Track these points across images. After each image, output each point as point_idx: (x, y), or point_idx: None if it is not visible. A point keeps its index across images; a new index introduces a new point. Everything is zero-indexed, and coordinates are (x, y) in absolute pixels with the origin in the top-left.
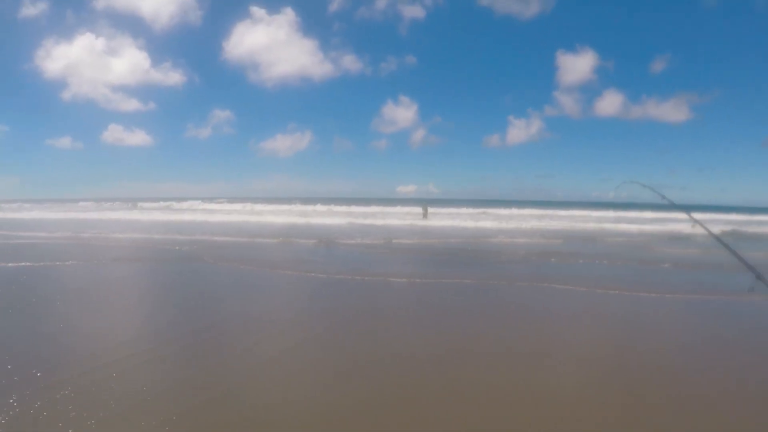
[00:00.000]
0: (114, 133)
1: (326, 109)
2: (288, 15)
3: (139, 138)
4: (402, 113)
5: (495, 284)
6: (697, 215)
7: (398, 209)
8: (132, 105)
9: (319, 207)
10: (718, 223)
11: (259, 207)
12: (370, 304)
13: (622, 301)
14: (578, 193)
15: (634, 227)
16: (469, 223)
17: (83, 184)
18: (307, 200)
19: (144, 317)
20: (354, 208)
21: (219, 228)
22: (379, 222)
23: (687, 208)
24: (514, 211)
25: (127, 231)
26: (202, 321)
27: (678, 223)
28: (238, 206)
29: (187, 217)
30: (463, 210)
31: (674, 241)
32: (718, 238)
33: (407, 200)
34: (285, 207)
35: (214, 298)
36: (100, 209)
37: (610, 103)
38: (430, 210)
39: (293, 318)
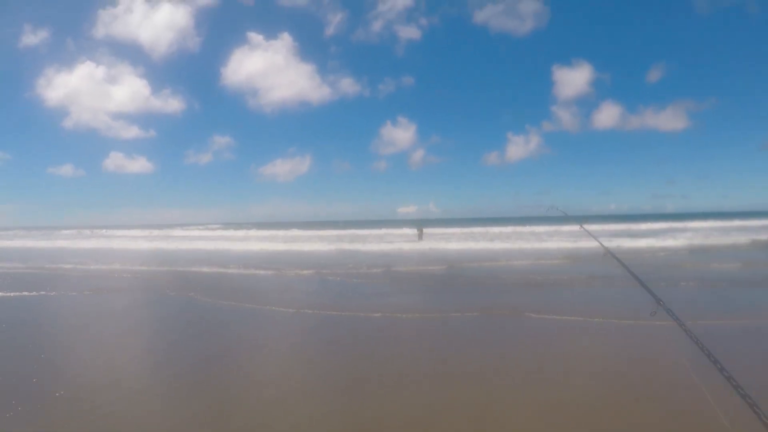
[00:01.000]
0: (115, 161)
1: (325, 132)
2: (285, 40)
3: (140, 165)
4: (401, 134)
5: (501, 316)
6: (698, 224)
7: (393, 231)
8: (132, 132)
9: (314, 232)
10: (728, 231)
11: (253, 233)
12: (369, 347)
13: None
14: (577, 208)
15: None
16: (469, 245)
17: (85, 211)
18: (306, 224)
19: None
20: (350, 232)
21: (206, 256)
22: (373, 247)
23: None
24: (515, 229)
25: (109, 261)
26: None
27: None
28: (232, 233)
29: (177, 245)
30: (463, 230)
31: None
32: (626, 267)
33: (407, 221)
34: (281, 233)
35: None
36: (95, 236)
37: (607, 115)
38: (426, 231)
39: (274, 369)
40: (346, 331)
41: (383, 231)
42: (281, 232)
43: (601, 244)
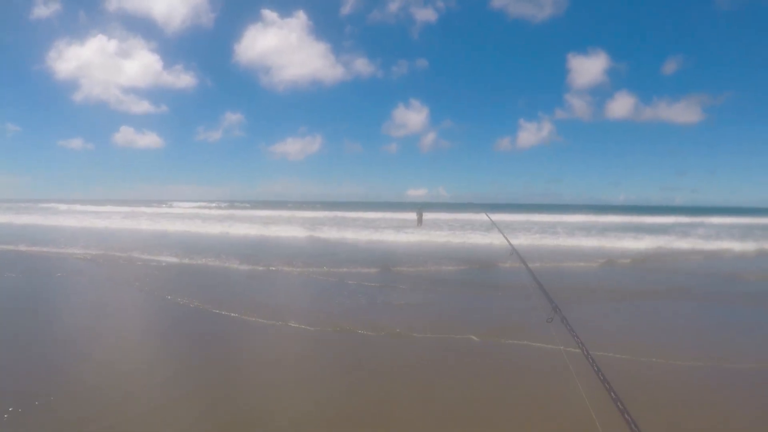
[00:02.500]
0: (125, 135)
1: (337, 112)
2: (300, 18)
3: (150, 140)
4: (413, 117)
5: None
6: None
7: (393, 216)
8: (143, 107)
9: (317, 213)
10: (737, 230)
11: (255, 212)
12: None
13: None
14: (587, 197)
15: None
16: (476, 238)
17: (94, 185)
18: (313, 204)
19: None
20: (355, 214)
21: (182, 240)
22: (362, 236)
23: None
24: (525, 217)
25: (47, 242)
26: None
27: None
28: (230, 212)
29: (153, 224)
30: (471, 216)
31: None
32: (530, 271)
33: (416, 204)
34: (284, 213)
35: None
36: (71, 212)
37: (621, 105)
38: (426, 216)
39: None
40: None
41: (383, 215)
42: (284, 213)
43: (507, 241)
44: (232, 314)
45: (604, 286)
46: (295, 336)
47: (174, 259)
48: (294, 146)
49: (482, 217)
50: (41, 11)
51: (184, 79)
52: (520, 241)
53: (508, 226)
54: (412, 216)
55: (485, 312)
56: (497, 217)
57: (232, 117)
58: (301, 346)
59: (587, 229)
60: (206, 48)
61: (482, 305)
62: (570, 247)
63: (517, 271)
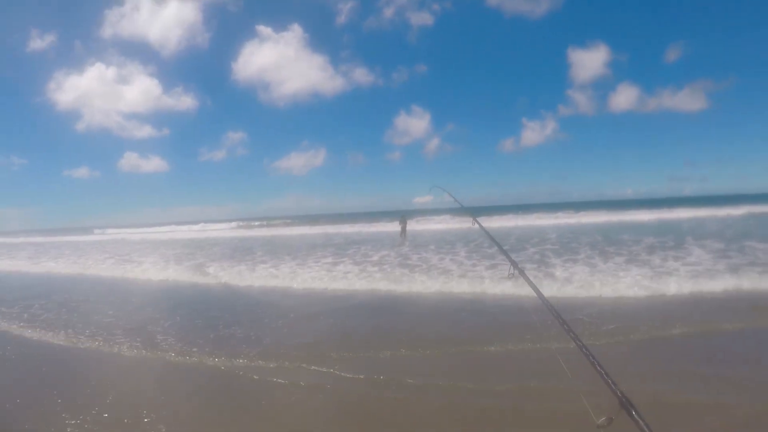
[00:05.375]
0: (130, 161)
1: (339, 124)
2: (295, 31)
3: (154, 164)
4: (415, 123)
5: None
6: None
7: (369, 228)
8: (146, 131)
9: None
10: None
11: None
12: None
13: None
14: (594, 193)
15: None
16: (474, 263)
17: (102, 212)
18: (315, 217)
19: None
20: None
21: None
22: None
23: (473, 211)
24: (532, 221)
25: None
26: None
27: None
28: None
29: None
30: (466, 225)
31: None
32: (490, 236)
33: (425, 210)
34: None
35: None
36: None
37: (624, 96)
38: (410, 224)
39: None
40: None
41: (359, 228)
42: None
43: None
44: None
45: None
46: None
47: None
48: (298, 161)
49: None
50: (36, 44)
51: (184, 101)
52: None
53: (524, 237)
54: (394, 228)
55: None
56: (503, 221)
57: (235, 136)
58: None
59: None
60: (204, 68)
61: None
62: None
63: None
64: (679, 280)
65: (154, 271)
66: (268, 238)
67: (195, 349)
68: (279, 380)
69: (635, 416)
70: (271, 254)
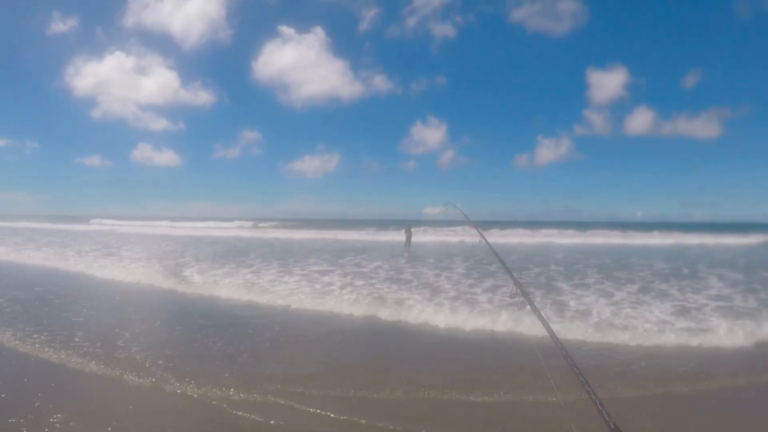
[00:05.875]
0: (143, 152)
1: (355, 130)
2: (318, 34)
3: (167, 157)
4: (431, 134)
5: None
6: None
7: (382, 237)
8: (161, 124)
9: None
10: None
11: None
12: None
13: None
14: (606, 213)
15: None
16: (472, 282)
17: (112, 202)
18: (328, 222)
19: None
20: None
21: None
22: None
23: (482, 225)
24: (546, 238)
25: None
26: None
27: None
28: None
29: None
30: (478, 242)
31: None
32: (496, 254)
33: (433, 222)
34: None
35: None
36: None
37: (640, 120)
38: (415, 234)
39: None
40: None
41: (359, 236)
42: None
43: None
44: None
45: None
46: None
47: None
48: (312, 164)
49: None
50: (58, 27)
51: (201, 97)
52: None
53: (530, 255)
54: (401, 237)
55: None
56: (509, 237)
57: (250, 135)
58: None
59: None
60: (224, 65)
61: None
62: None
63: None
64: (717, 321)
65: (118, 270)
66: (269, 241)
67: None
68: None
69: None
70: (262, 258)
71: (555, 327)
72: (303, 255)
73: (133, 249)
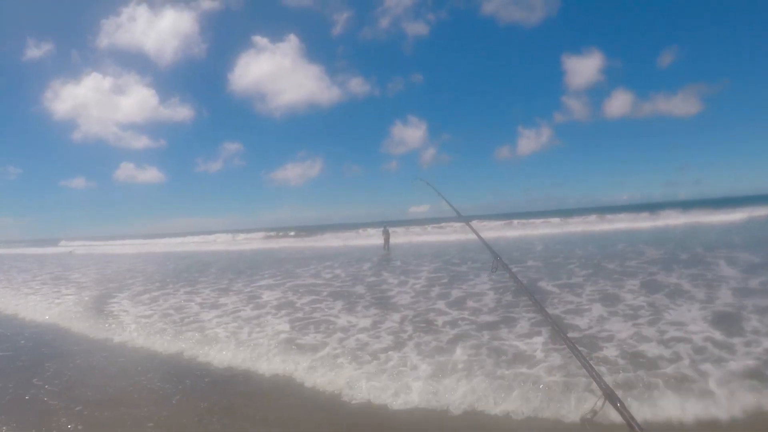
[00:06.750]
0: (126, 171)
1: (335, 134)
2: (291, 42)
3: (150, 174)
4: (411, 133)
5: None
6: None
7: (362, 240)
8: (142, 142)
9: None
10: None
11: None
12: None
13: None
14: (590, 199)
15: None
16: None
17: (97, 222)
18: (312, 228)
19: None
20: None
21: None
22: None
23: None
24: (531, 229)
25: None
26: None
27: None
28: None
29: None
30: (460, 236)
31: None
32: (472, 228)
33: (416, 221)
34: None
35: None
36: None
37: (618, 102)
38: (392, 236)
39: None
40: None
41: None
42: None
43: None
44: None
45: None
46: None
47: None
48: (294, 171)
49: (470, 235)
50: (33, 52)
51: (180, 112)
52: None
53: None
54: (380, 240)
55: None
56: (512, 233)
57: (231, 146)
58: None
59: None
60: (200, 79)
61: None
62: None
63: None
64: None
65: (37, 304)
66: (240, 253)
67: None
68: None
69: (620, 408)
70: (216, 275)
71: None
72: (258, 268)
73: (89, 271)
